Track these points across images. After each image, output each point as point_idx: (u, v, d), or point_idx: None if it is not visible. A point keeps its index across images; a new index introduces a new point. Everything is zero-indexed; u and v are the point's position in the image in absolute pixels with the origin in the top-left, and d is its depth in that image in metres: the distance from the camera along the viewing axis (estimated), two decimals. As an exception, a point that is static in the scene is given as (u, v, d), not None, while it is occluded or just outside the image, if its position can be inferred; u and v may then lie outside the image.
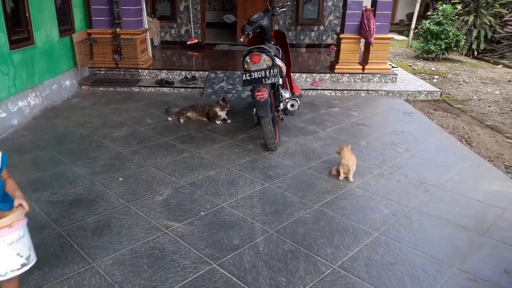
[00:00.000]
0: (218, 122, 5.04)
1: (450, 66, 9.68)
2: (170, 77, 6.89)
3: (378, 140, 4.54)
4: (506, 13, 10.82)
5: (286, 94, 4.43)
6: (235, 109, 5.45)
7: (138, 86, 6.44)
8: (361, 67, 6.84)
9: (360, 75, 6.77)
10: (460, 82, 8.06)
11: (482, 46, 10.63)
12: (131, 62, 6.76)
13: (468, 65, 9.83)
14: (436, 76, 8.48)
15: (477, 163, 4.02)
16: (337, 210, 3.14)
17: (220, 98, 5.17)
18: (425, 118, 5.42)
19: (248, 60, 3.97)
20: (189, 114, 5.14)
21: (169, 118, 5.12)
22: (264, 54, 3.95)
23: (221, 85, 6.43)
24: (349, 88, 6.39)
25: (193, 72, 6.90)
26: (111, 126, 4.82)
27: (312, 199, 3.29)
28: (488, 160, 4.19)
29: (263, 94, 3.89)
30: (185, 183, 3.51)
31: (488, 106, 6.42)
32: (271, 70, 3.91)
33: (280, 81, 4.06)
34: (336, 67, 6.81)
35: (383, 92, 6.34)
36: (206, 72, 6.86)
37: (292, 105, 4.11)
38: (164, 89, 6.44)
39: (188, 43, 9.08)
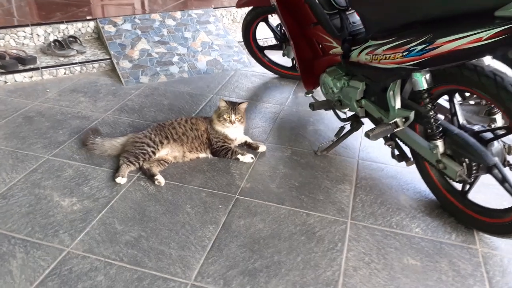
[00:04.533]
0: (244, 159, 1.98)
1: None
2: (13, 43, 3.02)
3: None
4: None
5: None
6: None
7: None
8: None
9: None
10: None
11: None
12: None
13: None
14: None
15: None
16: None
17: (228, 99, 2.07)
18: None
19: None
20: (164, 151, 1.91)
21: (119, 180, 1.78)
22: None
23: (141, 47, 3.02)
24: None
25: (65, 27, 3.15)
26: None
27: None
28: None
29: None
30: None
31: None
32: None
33: None
34: None
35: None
36: (91, 23, 3.21)
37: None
38: (18, 76, 2.69)
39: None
